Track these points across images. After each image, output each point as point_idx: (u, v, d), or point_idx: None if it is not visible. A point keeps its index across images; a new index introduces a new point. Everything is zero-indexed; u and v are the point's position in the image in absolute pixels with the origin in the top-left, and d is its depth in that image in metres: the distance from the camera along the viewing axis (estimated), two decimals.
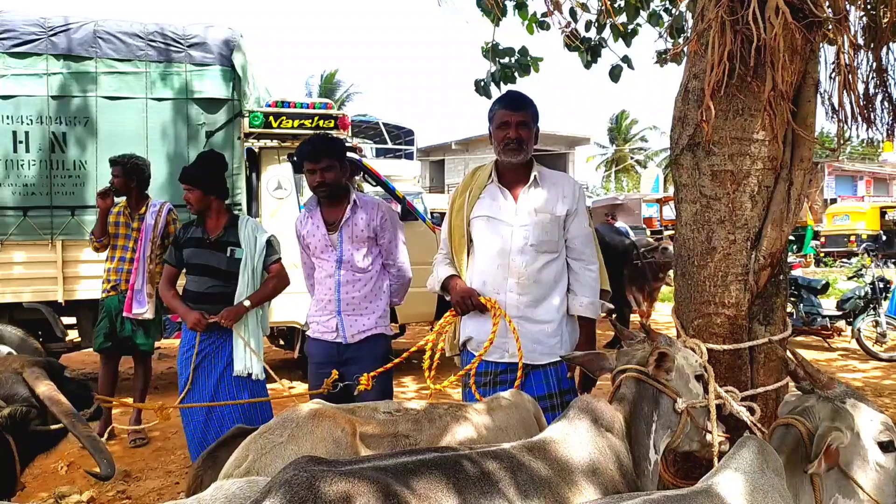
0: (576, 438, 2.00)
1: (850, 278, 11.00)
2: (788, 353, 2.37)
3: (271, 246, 4.25)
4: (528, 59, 5.16)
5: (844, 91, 2.69)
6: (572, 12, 4.86)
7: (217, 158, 4.40)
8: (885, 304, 9.22)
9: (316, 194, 3.71)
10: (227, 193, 4.37)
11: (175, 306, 4.23)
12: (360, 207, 3.69)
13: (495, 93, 5.10)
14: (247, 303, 4.07)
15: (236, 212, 4.45)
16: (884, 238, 21.93)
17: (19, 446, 2.24)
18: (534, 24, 5.04)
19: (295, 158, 7.27)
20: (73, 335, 6.86)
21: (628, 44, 5.12)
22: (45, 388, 2.26)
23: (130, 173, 5.53)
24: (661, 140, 42.65)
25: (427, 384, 3.25)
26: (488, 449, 1.89)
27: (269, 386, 6.88)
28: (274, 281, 4.23)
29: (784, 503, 1.77)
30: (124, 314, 5.35)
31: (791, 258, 13.70)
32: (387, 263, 3.78)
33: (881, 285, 9.14)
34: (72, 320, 6.76)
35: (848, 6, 2.85)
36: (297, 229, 3.86)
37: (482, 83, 5.12)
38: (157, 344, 5.95)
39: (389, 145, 27.06)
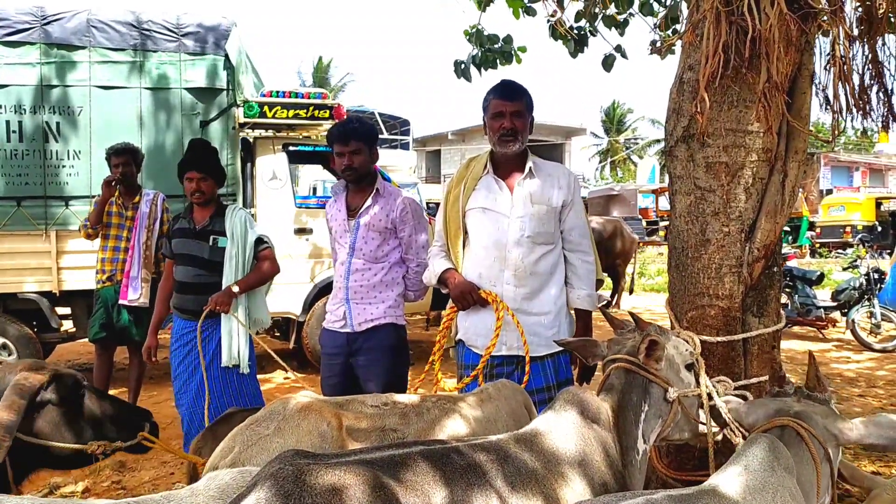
0: (562, 430, 2.00)
1: (845, 269, 11.02)
2: (807, 357, 2.34)
3: (260, 237, 4.21)
4: (512, 48, 5.13)
5: (840, 82, 2.69)
6: (559, 1, 4.83)
7: (212, 146, 4.40)
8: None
9: (343, 178, 3.68)
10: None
11: (154, 315, 4.38)
12: (382, 197, 3.62)
13: (475, 77, 5.09)
14: (235, 288, 4.01)
15: (226, 202, 4.41)
16: (879, 229, 21.95)
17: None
18: (520, 10, 4.99)
19: (290, 148, 7.30)
20: (67, 325, 6.84)
21: (621, 33, 5.08)
22: (5, 392, 2.21)
23: (135, 161, 5.54)
24: (657, 130, 42.63)
25: (436, 379, 3.27)
26: (476, 441, 1.89)
27: (271, 375, 6.96)
28: (263, 266, 4.17)
29: (795, 503, 1.76)
30: (120, 301, 5.34)
31: (786, 249, 13.73)
32: (406, 258, 3.68)
33: (876, 276, 9.15)
34: (66, 310, 6.74)
35: None
36: (326, 212, 3.84)
37: (462, 65, 5.08)
38: None
39: (385, 135, 27.00)
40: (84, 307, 6.34)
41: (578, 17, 4.97)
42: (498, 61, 5.13)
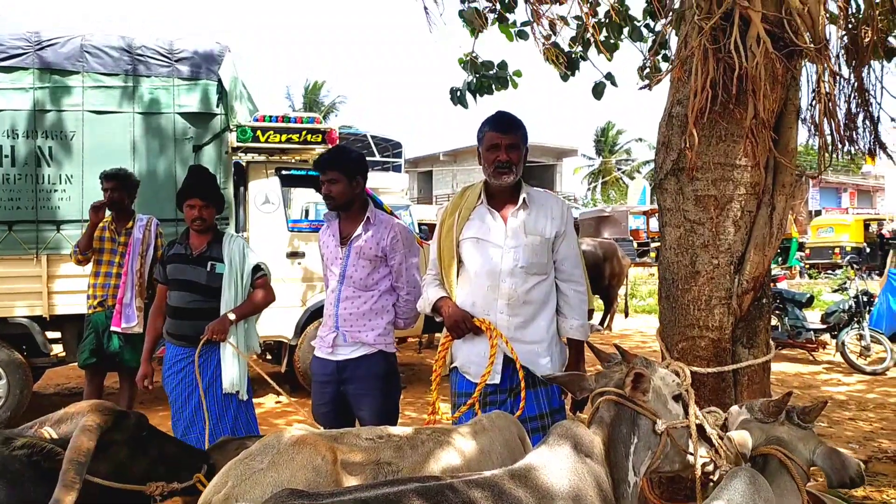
0: (556, 465, 2.01)
1: (834, 291, 11.09)
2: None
3: (258, 265, 4.23)
4: (507, 73, 5.18)
5: (825, 118, 2.74)
6: (552, 25, 4.89)
7: (212, 173, 4.43)
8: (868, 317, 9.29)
9: (326, 206, 3.73)
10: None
11: (147, 341, 4.33)
12: (374, 225, 3.65)
13: (471, 102, 5.13)
14: (231, 315, 4.02)
15: (221, 228, 4.41)
16: (868, 251, 22.10)
17: None
18: (512, 31, 5.05)
19: (283, 172, 7.33)
20: (57, 350, 6.80)
21: (610, 58, 5.14)
22: (74, 433, 2.24)
23: (125, 187, 5.53)
24: (648, 152, 42.90)
25: (434, 409, 3.28)
26: (470, 477, 1.90)
27: (262, 399, 6.91)
28: (259, 295, 4.18)
29: None
30: (112, 328, 5.30)
31: (776, 270, 13.80)
32: (396, 286, 3.70)
33: (865, 299, 9.22)
34: (56, 335, 6.71)
35: (828, 27, 2.90)
36: (318, 238, 3.87)
37: (458, 92, 5.13)
38: None
39: (377, 158, 27.11)
40: (74, 332, 6.31)
41: (573, 43, 5.03)
42: (493, 87, 5.18)
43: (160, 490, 2.47)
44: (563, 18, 4.71)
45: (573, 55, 5.10)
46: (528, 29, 4.91)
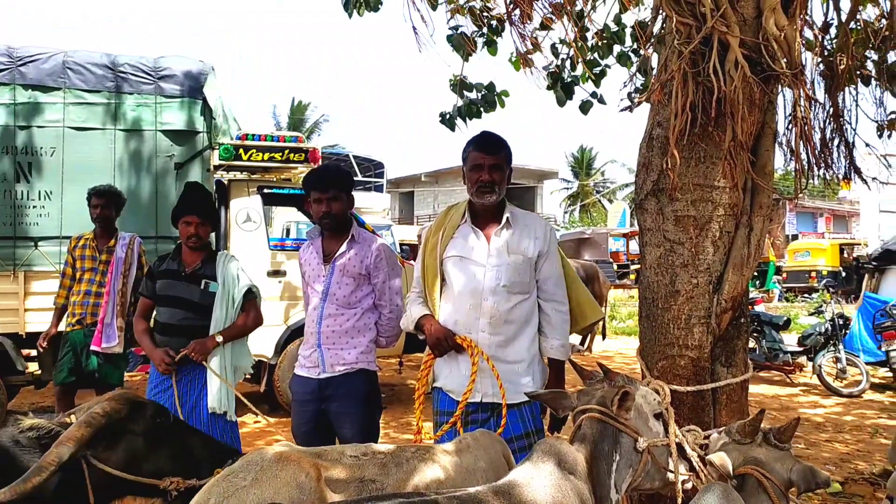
0: (540, 481, 2.02)
1: (811, 314, 11.23)
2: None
3: (250, 288, 4.19)
4: (495, 94, 5.27)
5: (801, 141, 2.81)
6: (553, 50, 4.98)
7: (208, 190, 4.39)
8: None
9: (320, 224, 3.71)
10: None
11: (143, 343, 4.16)
12: (357, 243, 3.66)
13: (460, 126, 5.20)
14: (219, 338, 3.97)
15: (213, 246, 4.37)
16: (843, 275, 22.42)
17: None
18: (520, 63, 5.14)
19: (265, 190, 7.32)
20: (32, 367, 6.70)
21: (598, 84, 5.25)
22: (75, 421, 2.30)
23: (114, 204, 5.50)
24: (627, 174, 43.32)
25: (419, 428, 3.26)
26: (454, 493, 1.90)
27: (242, 419, 6.81)
28: (247, 317, 4.14)
29: None
30: (92, 347, 5.23)
31: (754, 293, 13.96)
32: (379, 304, 3.71)
33: (841, 322, 9.36)
34: (32, 352, 6.61)
35: (805, 53, 2.97)
36: (299, 256, 3.87)
37: (447, 116, 5.21)
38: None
39: (360, 178, 27.18)
40: (51, 349, 6.23)
41: (570, 68, 5.13)
42: (482, 110, 5.27)
43: (174, 486, 2.44)
44: (562, 41, 4.80)
45: (567, 79, 5.19)
46: (532, 56, 5.00)
